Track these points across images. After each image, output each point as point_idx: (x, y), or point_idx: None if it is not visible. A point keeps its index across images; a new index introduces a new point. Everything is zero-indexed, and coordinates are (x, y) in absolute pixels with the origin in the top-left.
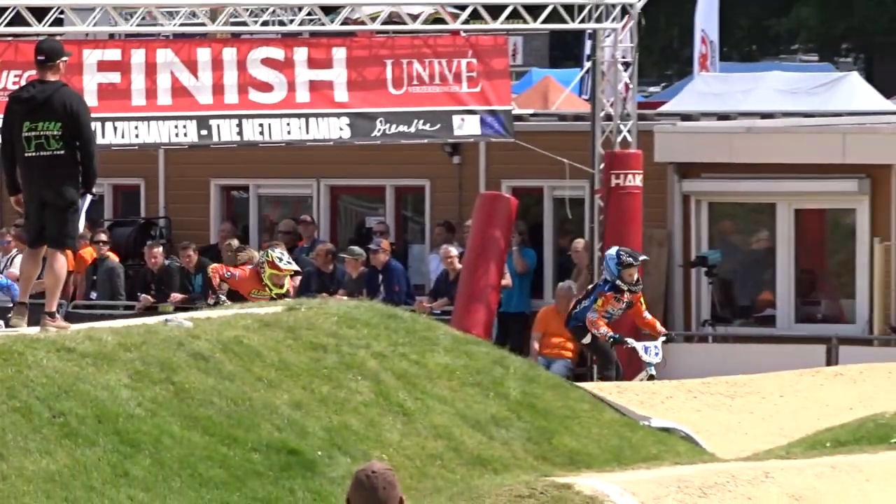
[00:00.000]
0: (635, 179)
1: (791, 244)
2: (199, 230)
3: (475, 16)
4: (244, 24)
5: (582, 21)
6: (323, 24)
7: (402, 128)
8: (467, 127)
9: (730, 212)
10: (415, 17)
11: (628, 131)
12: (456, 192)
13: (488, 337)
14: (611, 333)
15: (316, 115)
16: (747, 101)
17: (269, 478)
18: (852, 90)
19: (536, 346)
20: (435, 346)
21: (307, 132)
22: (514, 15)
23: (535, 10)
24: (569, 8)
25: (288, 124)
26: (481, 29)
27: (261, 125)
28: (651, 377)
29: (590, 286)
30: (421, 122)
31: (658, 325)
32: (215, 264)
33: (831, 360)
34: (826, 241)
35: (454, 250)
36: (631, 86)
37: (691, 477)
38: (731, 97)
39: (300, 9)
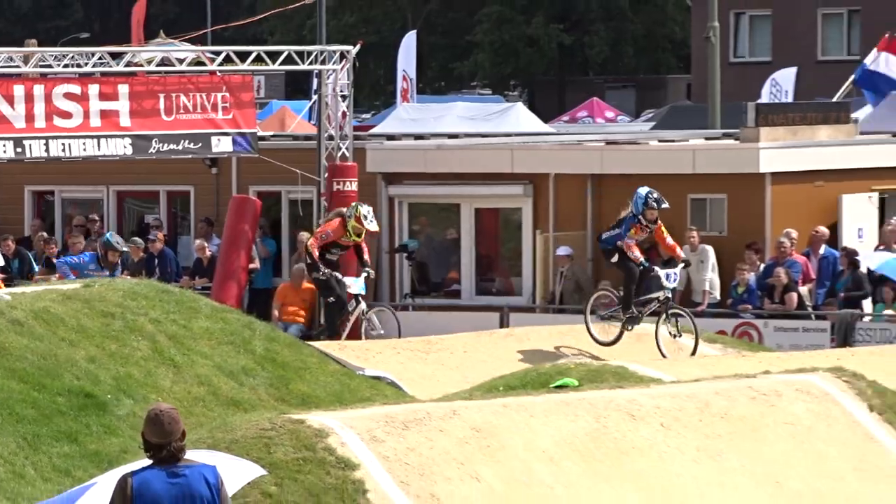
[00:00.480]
0: (352, 185)
1: (472, 235)
2: (16, 225)
3: (228, 59)
4: (50, 66)
5: (310, 63)
6: (111, 66)
7: (172, 146)
8: (222, 145)
9: (425, 210)
10: (181, 61)
11: (346, 148)
12: (214, 195)
13: (239, 307)
14: (642, 259)
15: (106, 136)
16: (438, 125)
17: (71, 416)
18: (518, 116)
19: (276, 313)
20: (198, 314)
21: (99, 149)
22: (258, 59)
23: (274, 55)
24: (300, 53)
25: (84, 143)
26: (232, 70)
27: (63, 144)
28: (667, 299)
29: (619, 217)
30: (187, 141)
31: (678, 249)
32: (311, 239)
33: (503, 323)
34: (499, 232)
35: (205, 244)
36: (348, 113)
37: (396, 414)
38: (425, 122)
39: (93, 54)
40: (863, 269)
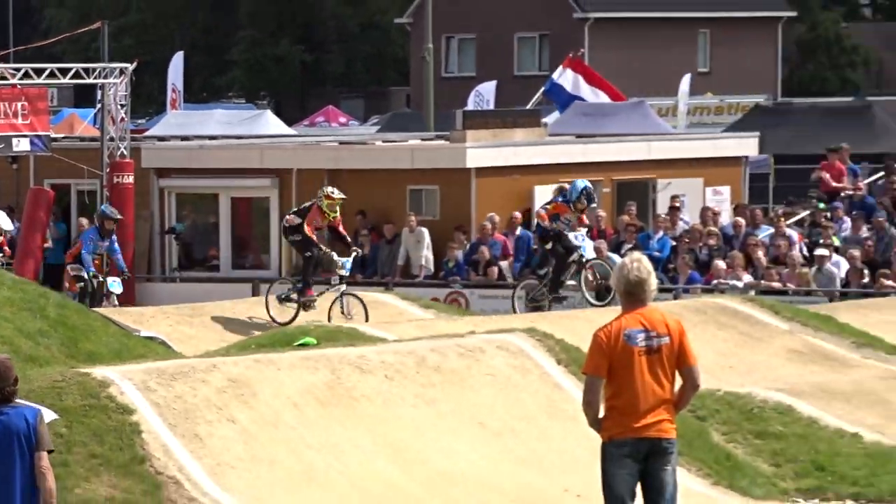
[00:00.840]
0: (129, 179)
1: (229, 220)
2: None
3: (27, 75)
4: None
5: (95, 77)
6: None
7: None
8: (22, 145)
9: (190, 199)
10: None
11: (125, 148)
12: (15, 187)
13: (36, 279)
14: (551, 227)
15: None
16: (201, 128)
17: None
18: (267, 121)
19: (67, 285)
20: (1, 286)
21: None
22: (52, 74)
23: (65, 71)
24: (87, 70)
25: None
26: (30, 83)
27: None
28: (581, 257)
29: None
30: None
31: (585, 220)
32: (307, 226)
33: (255, 293)
34: (251, 217)
35: None
36: (126, 119)
37: (166, 367)
38: (190, 126)
39: None
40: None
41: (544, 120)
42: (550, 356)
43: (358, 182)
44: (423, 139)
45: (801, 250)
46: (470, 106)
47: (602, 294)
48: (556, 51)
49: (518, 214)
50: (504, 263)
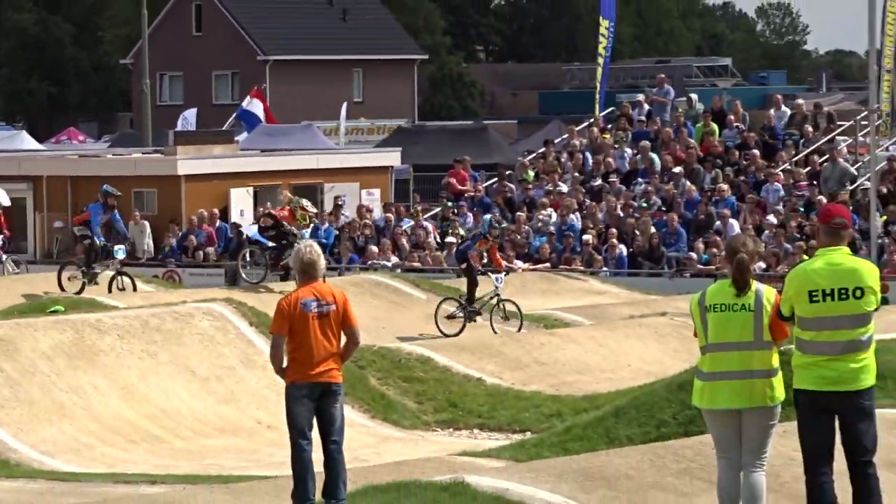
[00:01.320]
0: None
1: None
2: None
3: None
4: None
5: None
6: None
7: None
8: None
9: None
10: None
11: None
12: None
13: None
14: (479, 268)
15: None
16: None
17: None
18: (23, 139)
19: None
20: None
21: None
22: None
23: None
24: None
25: None
26: None
27: None
28: (497, 295)
29: (473, 233)
30: None
31: (504, 264)
32: (279, 215)
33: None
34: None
35: None
36: None
37: None
38: None
39: None
40: (246, 236)
41: (237, 138)
42: (244, 320)
43: (93, 186)
44: (143, 153)
45: (434, 238)
46: (178, 128)
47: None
48: (245, 85)
49: (216, 211)
50: (211, 249)
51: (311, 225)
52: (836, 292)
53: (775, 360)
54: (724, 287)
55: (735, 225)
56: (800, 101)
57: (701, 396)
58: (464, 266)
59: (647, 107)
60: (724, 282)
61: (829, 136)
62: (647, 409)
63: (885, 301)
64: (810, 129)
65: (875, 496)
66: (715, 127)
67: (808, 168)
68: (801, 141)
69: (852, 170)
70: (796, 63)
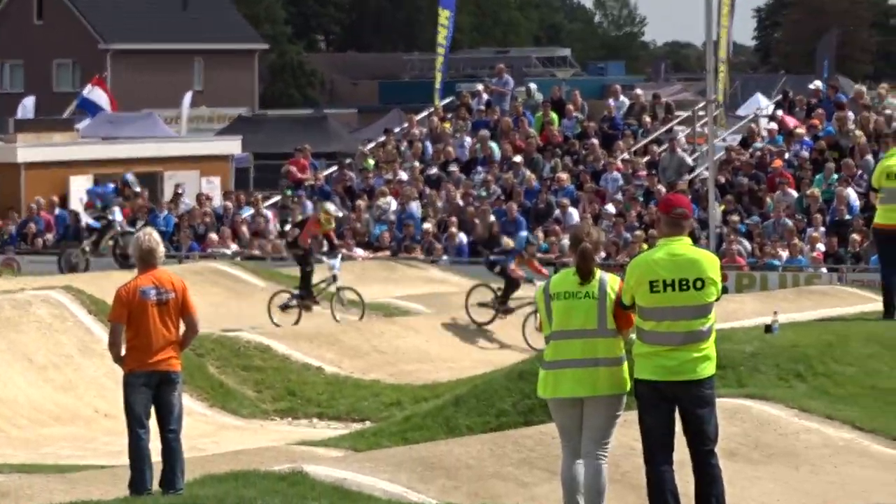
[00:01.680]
0: None
1: None
2: None
3: None
4: None
5: None
6: None
7: None
8: None
9: None
10: None
11: None
12: None
13: None
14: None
15: None
16: None
17: None
18: None
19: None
20: None
21: None
22: None
23: None
24: None
25: None
26: None
27: None
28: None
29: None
30: None
31: (519, 271)
32: (301, 236)
33: None
34: None
35: None
36: None
37: None
38: None
39: None
40: (85, 223)
41: (77, 126)
42: (83, 308)
43: None
44: None
45: (275, 226)
46: (18, 116)
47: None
48: (86, 73)
49: (56, 198)
50: (49, 236)
51: (334, 227)
52: (677, 283)
53: (620, 349)
54: (569, 276)
55: (574, 214)
56: (638, 91)
57: (545, 386)
58: (498, 271)
59: (486, 96)
60: (568, 270)
61: (667, 126)
62: (487, 398)
63: (724, 291)
64: (649, 119)
65: (717, 485)
66: (554, 116)
67: (647, 158)
68: (640, 131)
69: (688, 160)
70: (634, 54)
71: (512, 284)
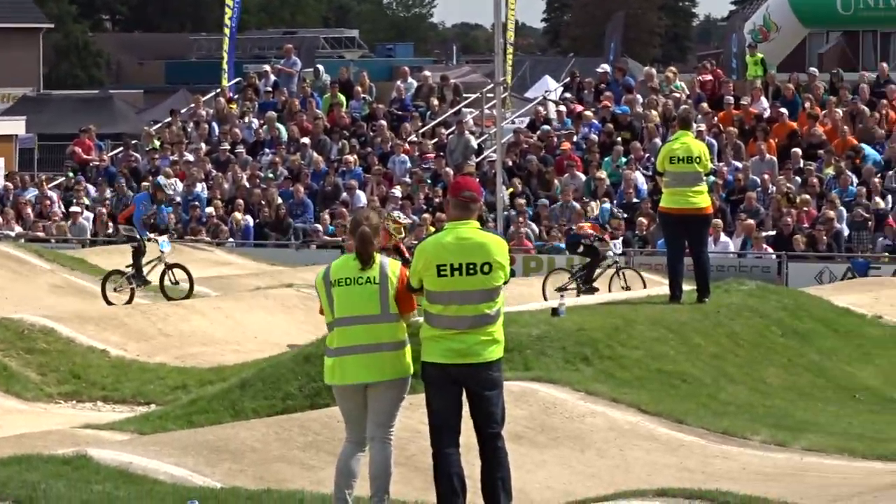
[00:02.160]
0: None
1: None
2: None
3: None
4: None
5: None
6: None
7: None
8: None
9: None
10: None
11: None
12: None
13: None
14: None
15: None
16: None
17: None
18: None
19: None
20: None
21: None
22: None
23: None
24: None
25: None
26: None
27: None
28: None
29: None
30: None
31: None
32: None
33: None
34: None
35: None
36: None
37: None
38: None
39: None
40: None
41: None
42: None
43: None
44: None
45: (59, 207)
46: None
47: None
48: None
49: None
50: None
51: (404, 237)
52: (465, 267)
53: (403, 333)
54: (349, 261)
55: (362, 196)
56: (427, 73)
57: (332, 373)
58: (580, 250)
59: (273, 77)
60: (348, 256)
61: (455, 109)
62: (274, 381)
63: (512, 274)
64: (437, 101)
65: (503, 468)
66: (342, 98)
67: (435, 140)
68: (428, 113)
69: (473, 142)
70: (423, 35)
71: (595, 258)
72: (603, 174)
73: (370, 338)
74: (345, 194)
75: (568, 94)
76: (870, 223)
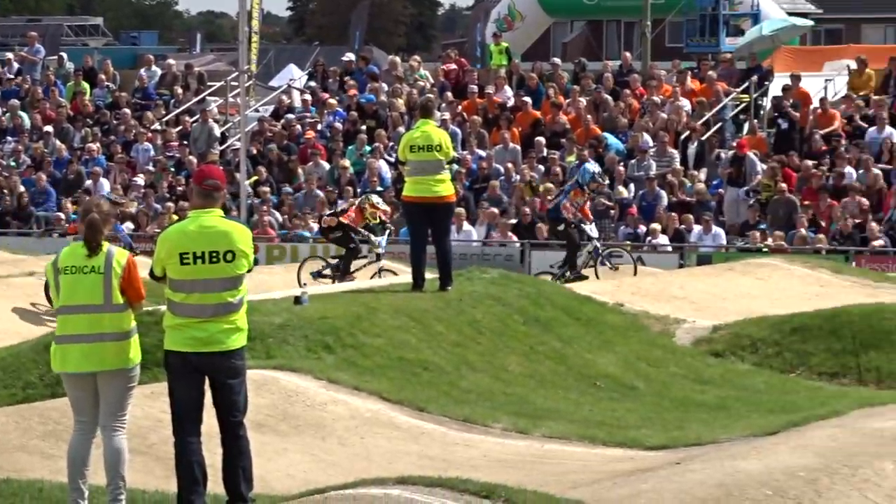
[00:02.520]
0: None
1: None
2: None
3: None
4: None
5: None
6: None
7: None
8: None
9: None
10: None
11: None
12: None
13: None
14: (571, 218)
15: None
16: None
17: None
18: None
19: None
20: None
21: None
22: None
23: None
24: None
25: None
26: None
27: None
28: (595, 248)
29: (562, 187)
30: None
31: (589, 214)
32: (341, 219)
33: None
34: None
35: None
36: None
37: None
38: None
39: None
40: None
41: None
42: None
43: None
44: None
45: None
46: None
47: None
48: None
49: None
50: None
51: (382, 223)
52: (208, 255)
53: (129, 322)
54: (77, 249)
55: (105, 184)
56: (171, 61)
57: (55, 360)
58: (560, 228)
59: (16, 65)
60: (77, 244)
61: (199, 97)
62: (14, 370)
63: (256, 262)
64: (181, 89)
65: (245, 456)
66: (86, 86)
67: (179, 128)
68: (172, 101)
69: (217, 131)
70: (168, 23)
71: (573, 245)
72: (347, 163)
73: (92, 327)
74: (88, 182)
75: (313, 83)
76: (612, 212)
